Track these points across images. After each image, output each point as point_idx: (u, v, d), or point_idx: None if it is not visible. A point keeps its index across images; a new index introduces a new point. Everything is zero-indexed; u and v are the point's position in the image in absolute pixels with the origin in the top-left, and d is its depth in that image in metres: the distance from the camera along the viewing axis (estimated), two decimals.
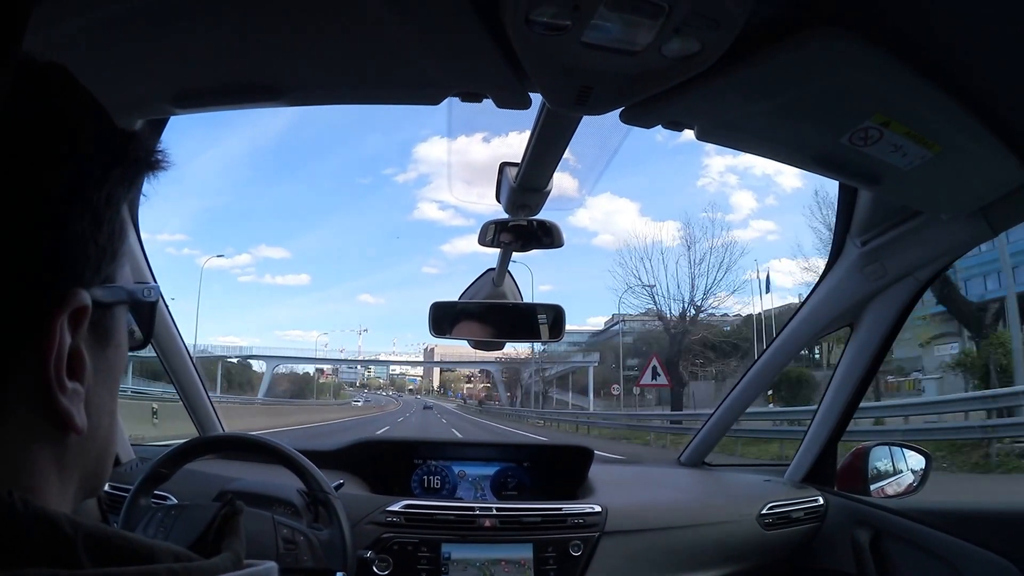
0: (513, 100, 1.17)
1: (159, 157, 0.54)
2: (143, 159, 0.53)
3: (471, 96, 1.18)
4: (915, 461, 2.29)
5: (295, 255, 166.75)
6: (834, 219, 1.95)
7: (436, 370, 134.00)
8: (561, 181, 1.46)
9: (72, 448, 0.48)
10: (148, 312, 0.61)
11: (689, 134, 1.27)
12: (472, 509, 1.84)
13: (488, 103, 1.19)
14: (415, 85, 1.18)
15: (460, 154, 1.60)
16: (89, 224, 0.47)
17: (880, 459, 2.29)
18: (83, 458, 0.50)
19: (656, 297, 32.59)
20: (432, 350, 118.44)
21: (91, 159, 0.47)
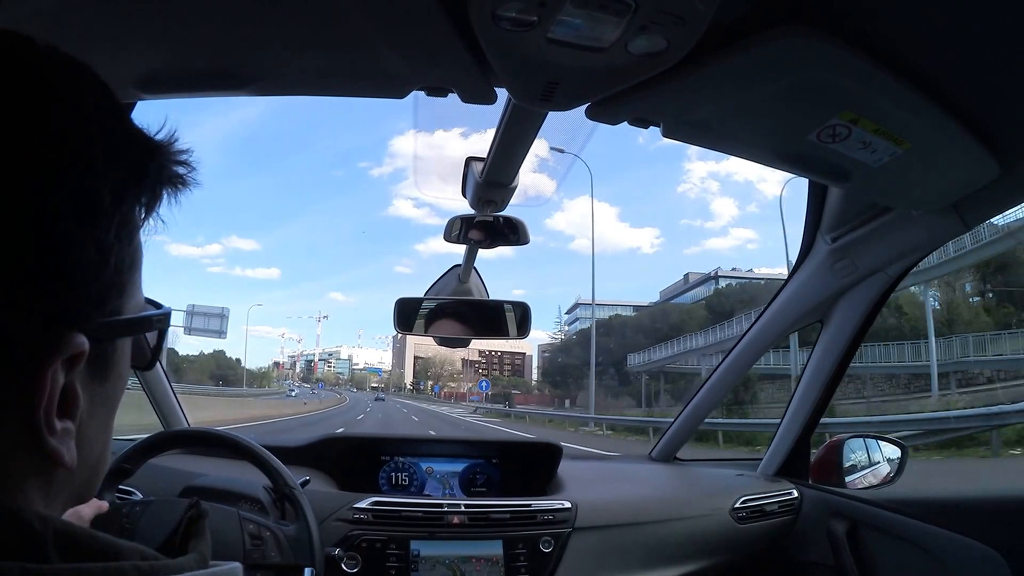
0: (479, 95, 1.17)
1: (184, 171, 0.50)
2: (164, 177, 0.49)
3: (436, 90, 1.18)
4: (890, 452, 2.32)
5: (266, 248, 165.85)
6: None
7: (409, 361, 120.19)
8: (527, 177, 1.47)
9: (60, 479, 0.47)
10: (157, 338, 0.58)
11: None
12: (440, 506, 1.85)
13: (454, 97, 1.19)
14: (380, 78, 1.17)
15: (427, 148, 1.59)
16: (94, 258, 0.44)
17: (855, 451, 2.33)
18: (71, 485, 0.50)
19: None
20: (403, 339, 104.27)
21: (102, 181, 0.43)
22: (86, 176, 0.43)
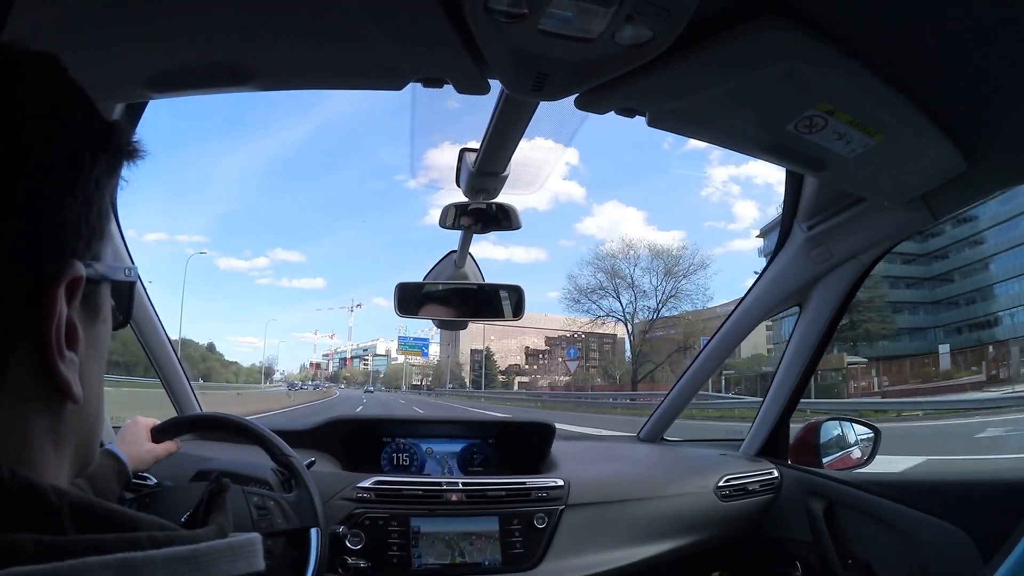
0: (473, 86, 1.17)
1: (137, 146, 0.55)
2: (124, 148, 0.53)
3: (433, 82, 1.17)
4: (864, 434, 2.34)
5: (311, 259, 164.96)
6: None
7: (465, 352, 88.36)
8: (518, 165, 1.46)
9: (67, 419, 0.48)
10: (128, 292, 0.61)
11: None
12: (439, 484, 1.85)
13: (449, 89, 1.18)
14: (378, 70, 1.17)
15: (425, 140, 1.59)
16: (82, 204, 0.48)
17: (831, 433, 2.34)
18: (77, 429, 0.50)
19: None
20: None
21: (83, 145, 0.48)
22: (71, 138, 0.47)
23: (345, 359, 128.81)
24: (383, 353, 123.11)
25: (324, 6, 0.99)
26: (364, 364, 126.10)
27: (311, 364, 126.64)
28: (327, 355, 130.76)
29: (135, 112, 1.43)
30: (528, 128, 1.30)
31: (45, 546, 0.37)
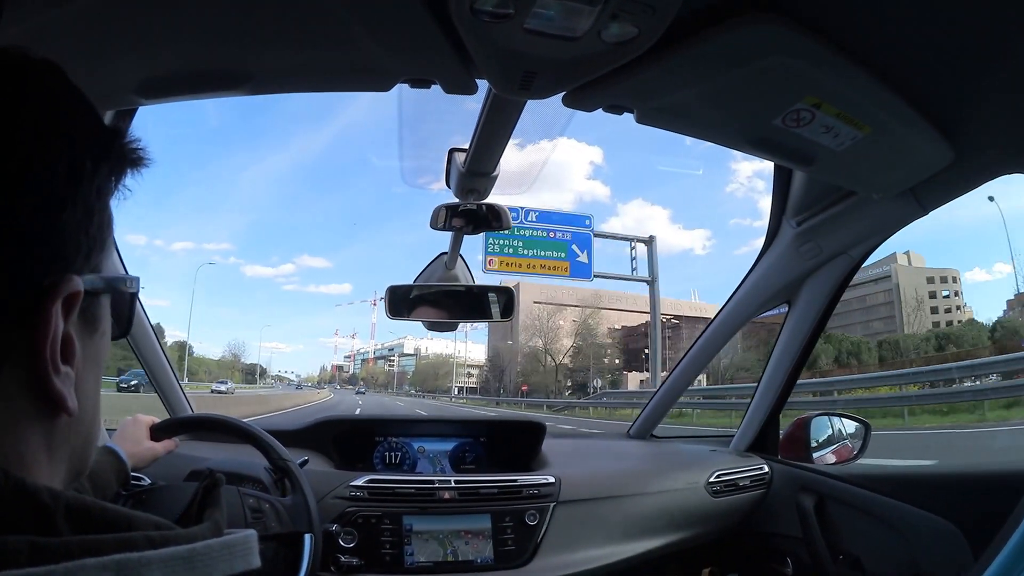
0: (460, 86, 1.15)
1: (141, 154, 0.54)
2: (127, 155, 0.53)
3: (420, 82, 1.16)
4: (854, 429, 2.33)
5: (336, 265, 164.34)
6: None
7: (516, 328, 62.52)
8: (508, 165, 1.45)
9: (61, 430, 0.48)
10: (129, 302, 0.60)
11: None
12: (431, 482, 1.84)
13: (437, 89, 1.17)
14: (366, 72, 1.16)
15: (412, 141, 1.58)
16: (81, 215, 0.47)
17: (821, 428, 2.33)
18: (71, 440, 0.50)
19: None
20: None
21: (84, 153, 0.48)
22: (72, 146, 0.47)
23: (367, 359, 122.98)
24: (411, 352, 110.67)
25: (311, 10, 0.98)
26: (389, 365, 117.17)
27: (332, 367, 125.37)
28: (349, 356, 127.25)
29: (124, 119, 1.41)
30: (517, 128, 1.28)
31: (40, 548, 0.37)
